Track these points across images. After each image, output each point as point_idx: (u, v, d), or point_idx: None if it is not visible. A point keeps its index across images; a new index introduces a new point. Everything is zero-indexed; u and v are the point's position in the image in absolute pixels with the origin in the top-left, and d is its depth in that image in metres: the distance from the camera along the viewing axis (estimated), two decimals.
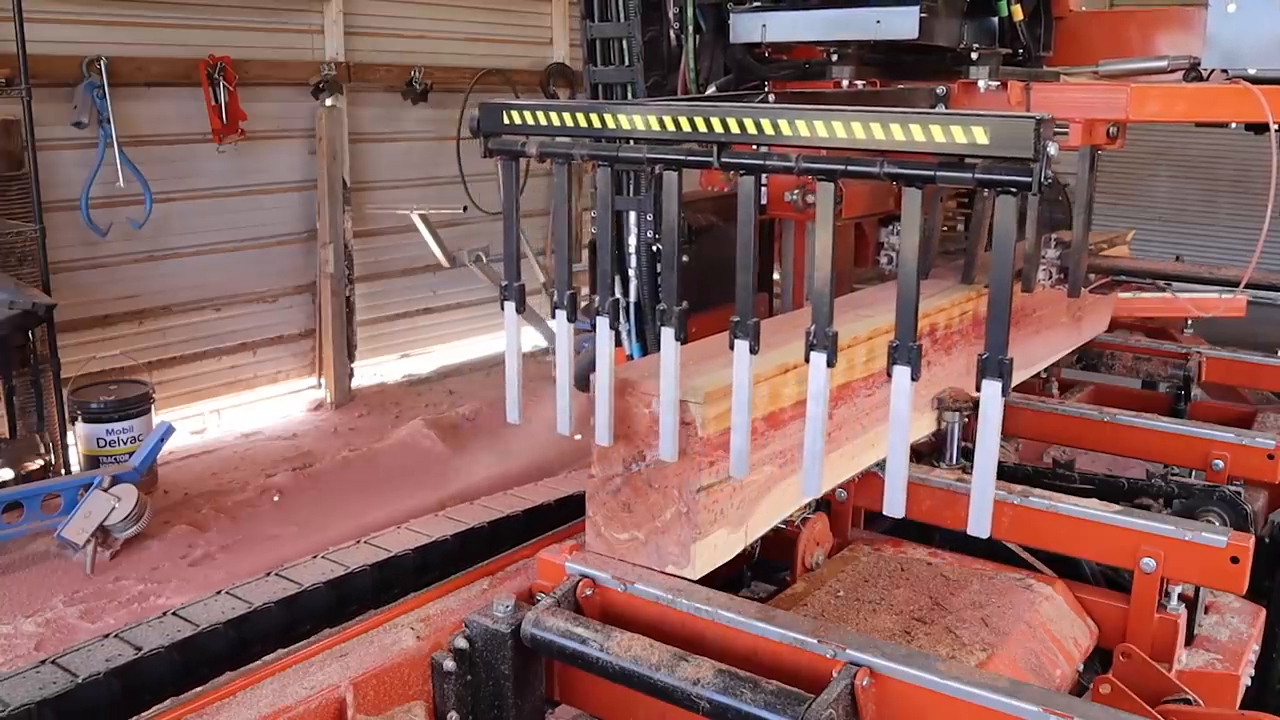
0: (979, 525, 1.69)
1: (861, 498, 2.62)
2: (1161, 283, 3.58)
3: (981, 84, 2.79)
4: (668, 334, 1.89)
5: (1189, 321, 4.47)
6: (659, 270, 2.95)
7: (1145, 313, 4.19)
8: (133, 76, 6.72)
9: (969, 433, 2.65)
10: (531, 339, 9.22)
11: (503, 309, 2.13)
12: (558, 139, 1.97)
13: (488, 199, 8.77)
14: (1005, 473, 2.62)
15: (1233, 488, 2.66)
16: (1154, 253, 4.99)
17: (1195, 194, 10.30)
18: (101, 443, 6.17)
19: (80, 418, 6.19)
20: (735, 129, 1.76)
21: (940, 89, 2.73)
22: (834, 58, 2.82)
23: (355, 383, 8.46)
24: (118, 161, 6.51)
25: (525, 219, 8.80)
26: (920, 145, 1.60)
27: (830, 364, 1.78)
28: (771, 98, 2.73)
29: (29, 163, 6.01)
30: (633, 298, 3.04)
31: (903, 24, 2.53)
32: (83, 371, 6.53)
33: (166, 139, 7.06)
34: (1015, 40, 2.98)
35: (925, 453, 2.77)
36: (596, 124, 1.89)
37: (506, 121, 1.99)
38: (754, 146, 1.79)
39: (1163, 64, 2.78)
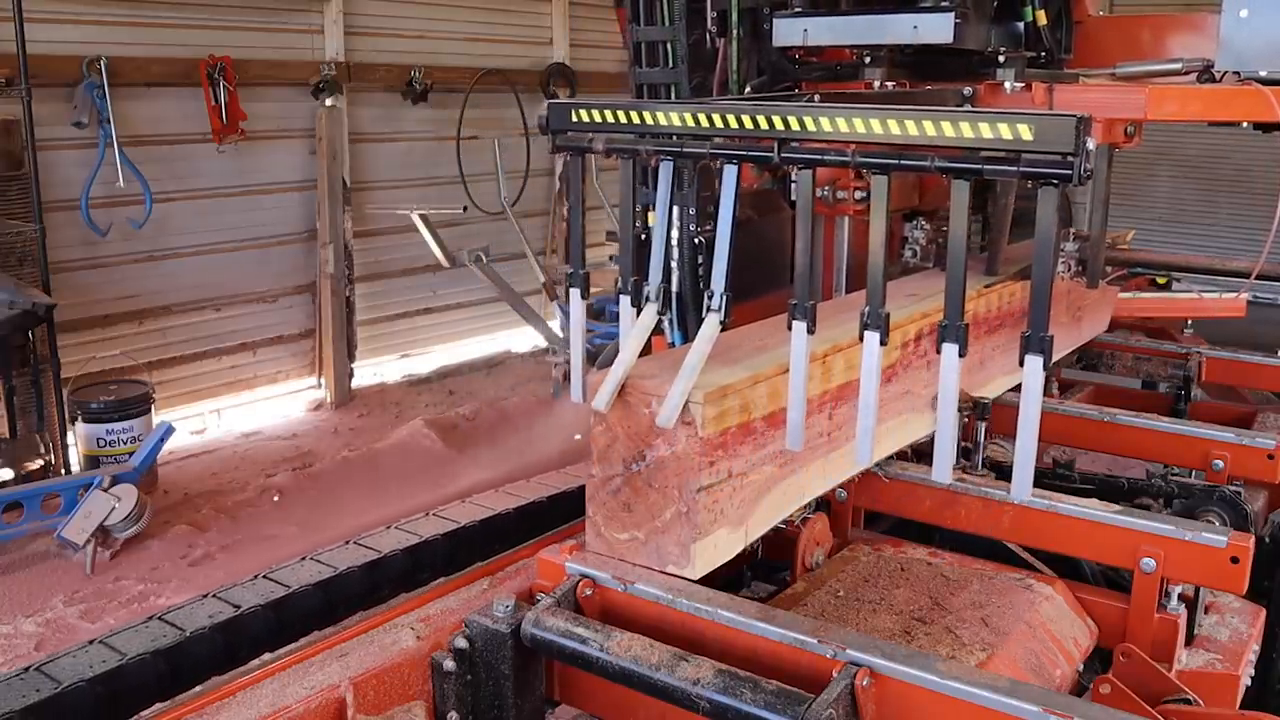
0: (1020, 490, 1.78)
1: (862, 498, 2.62)
2: (1174, 274, 3.60)
3: (1007, 85, 2.89)
4: (713, 317, 2.00)
5: (1189, 321, 4.47)
6: (700, 261, 3.06)
7: (1145, 313, 4.20)
8: (133, 76, 6.72)
9: (969, 432, 2.66)
10: (531, 338, 9.20)
11: (567, 296, 2.27)
12: (623, 136, 2.05)
13: (487, 199, 8.78)
14: (1005, 472, 2.62)
15: (1233, 488, 2.66)
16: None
17: (1195, 194, 10.30)
18: (101, 443, 6.17)
19: (80, 418, 6.19)
20: (796, 126, 1.83)
21: (967, 90, 2.83)
22: (867, 60, 2.92)
23: (355, 383, 8.47)
24: (118, 161, 6.51)
25: (525, 219, 8.80)
26: (969, 141, 1.70)
27: (883, 343, 1.86)
28: (817, 98, 2.77)
29: (29, 163, 6.02)
30: (674, 288, 3.09)
31: (939, 29, 2.64)
32: (83, 371, 6.53)
33: (166, 139, 7.06)
34: (1038, 43, 3.08)
35: (925, 452, 2.77)
36: (663, 122, 1.96)
37: (574, 120, 2.05)
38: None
39: (1177, 66, 2.86)
